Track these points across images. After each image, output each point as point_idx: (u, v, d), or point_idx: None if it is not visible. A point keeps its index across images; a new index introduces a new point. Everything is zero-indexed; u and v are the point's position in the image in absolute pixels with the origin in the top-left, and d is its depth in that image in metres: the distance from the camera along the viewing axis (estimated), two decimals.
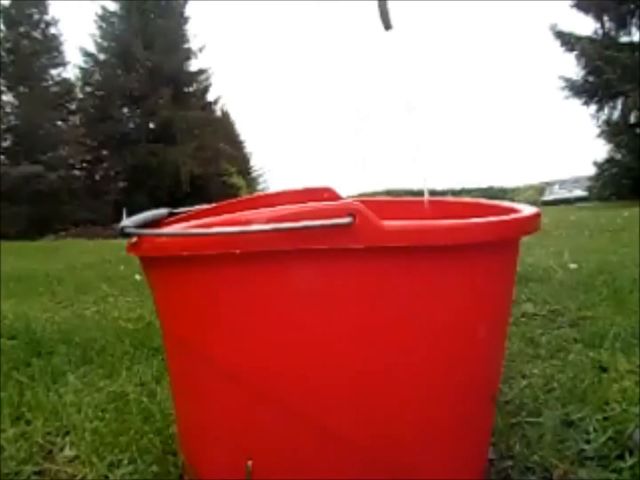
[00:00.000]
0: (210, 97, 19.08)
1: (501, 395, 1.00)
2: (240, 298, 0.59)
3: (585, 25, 17.77)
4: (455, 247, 0.58)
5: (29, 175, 13.63)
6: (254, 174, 23.06)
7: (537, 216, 0.66)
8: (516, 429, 0.88)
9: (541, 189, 18.92)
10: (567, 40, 12.53)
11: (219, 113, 19.97)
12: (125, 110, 17.63)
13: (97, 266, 4.00)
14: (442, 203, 0.95)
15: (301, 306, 0.59)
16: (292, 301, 0.58)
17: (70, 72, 16.76)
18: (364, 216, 0.55)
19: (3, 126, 14.47)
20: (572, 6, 12.75)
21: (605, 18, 12.47)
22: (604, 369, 1.12)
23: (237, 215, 0.59)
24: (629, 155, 11.85)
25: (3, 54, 14.60)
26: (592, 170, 13.19)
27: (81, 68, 17.08)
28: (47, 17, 15.76)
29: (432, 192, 0.90)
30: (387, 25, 0.84)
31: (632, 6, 11.89)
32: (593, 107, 12.82)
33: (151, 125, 17.32)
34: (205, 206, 0.85)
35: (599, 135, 12.67)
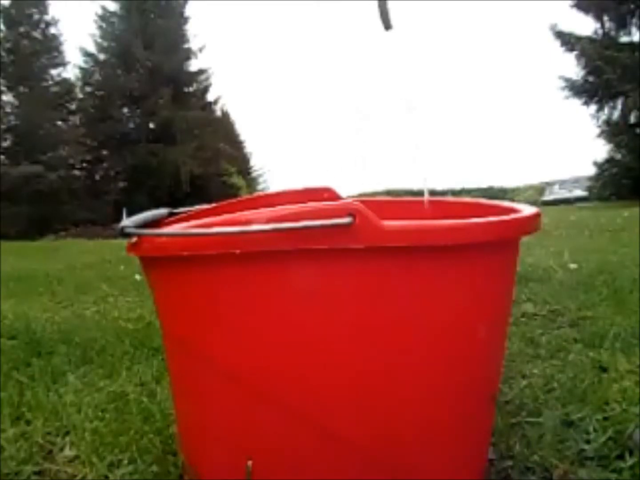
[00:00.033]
0: (210, 97, 19.10)
1: (501, 395, 1.00)
2: (240, 298, 0.59)
3: (585, 25, 17.79)
4: (455, 247, 0.58)
5: (29, 175, 13.64)
6: (254, 174, 23.07)
7: (537, 216, 0.66)
8: (516, 429, 0.88)
9: (541, 189, 18.93)
10: (567, 40, 12.53)
11: (219, 113, 19.98)
12: (125, 110, 17.64)
13: (97, 266, 4.00)
14: (442, 203, 0.95)
15: (301, 306, 0.59)
16: (292, 301, 0.58)
17: (70, 72, 16.79)
18: (364, 216, 0.55)
19: (3, 126, 14.47)
20: (572, 6, 12.75)
21: (605, 18, 12.47)
22: (604, 369, 1.12)
23: (237, 215, 0.59)
24: (629, 155, 11.85)
25: (3, 54, 14.60)
26: (592, 170, 13.20)
27: (81, 68, 17.09)
28: (47, 17, 15.77)
29: (432, 192, 0.90)
30: (387, 26, 0.84)
31: (632, 6, 11.89)
32: (593, 107, 12.84)
33: (151, 125, 17.32)
34: (205, 206, 0.85)
35: (599, 135, 12.67)
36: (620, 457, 0.79)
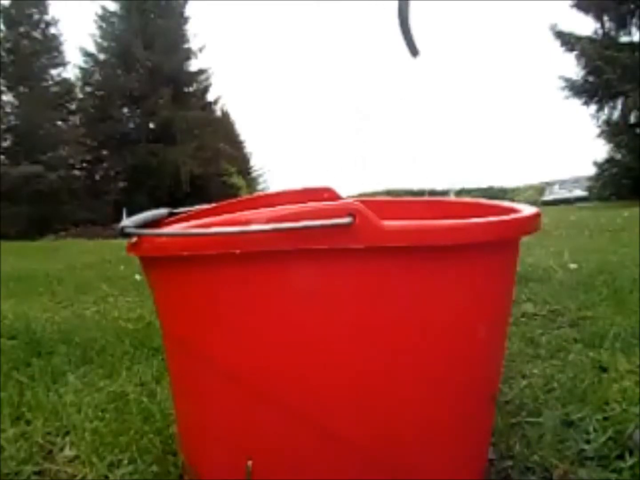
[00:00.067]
0: (210, 97, 19.11)
1: (501, 395, 1.00)
2: (240, 298, 0.59)
3: (585, 25, 17.78)
4: (455, 247, 0.58)
5: (29, 175, 13.64)
6: (254, 174, 23.08)
7: (537, 216, 0.66)
8: (516, 429, 0.88)
9: (541, 189, 18.93)
10: (567, 40, 12.54)
11: (219, 113, 20.00)
12: (125, 110, 17.64)
13: (97, 266, 4.00)
14: (442, 203, 0.95)
15: (301, 306, 0.58)
16: (292, 301, 0.58)
17: (70, 72, 16.81)
18: (364, 216, 0.55)
19: (3, 126, 14.48)
20: (572, 6, 12.76)
21: (605, 18, 12.47)
22: (604, 369, 1.12)
23: (237, 215, 0.59)
24: (629, 155, 11.85)
25: (3, 54, 14.61)
26: (592, 170, 13.21)
27: (81, 68, 17.11)
28: (47, 17, 15.79)
29: (432, 192, 0.90)
30: (414, 52, 0.83)
31: (632, 6, 11.89)
32: (593, 107, 12.84)
33: (151, 125, 17.33)
34: (205, 206, 0.85)
35: (599, 135, 12.68)
36: (620, 457, 0.79)
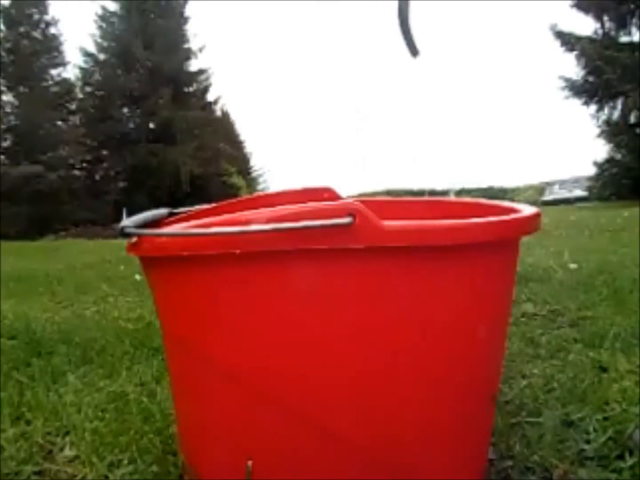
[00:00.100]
0: (210, 97, 19.12)
1: (501, 395, 1.00)
2: (240, 298, 0.59)
3: (585, 25, 17.78)
4: (455, 247, 0.58)
5: (29, 175, 13.64)
6: (254, 174, 23.08)
7: (537, 216, 0.66)
8: (516, 429, 0.88)
9: (541, 189, 18.93)
10: (567, 40, 12.54)
11: (219, 113, 20.00)
12: (125, 110, 17.65)
13: (97, 266, 4.00)
14: (442, 203, 0.95)
15: (301, 306, 0.58)
16: (292, 301, 0.58)
17: (70, 72, 16.81)
18: (364, 216, 0.55)
19: (3, 126, 14.49)
20: (572, 6, 12.76)
21: (605, 18, 12.47)
22: (604, 369, 1.12)
23: (237, 215, 0.59)
24: (629, 155, 11.85)
25: (3, 54, 14.61)
26: (592, 170, 13.21)
27: (81, 68, 17.11)
28: (47, 17, 15.79)
29: (432, 192, 0.90)
30: (414, 52, 0.82)
31: (632, 6, 11.89)
32: (593, 107, 12.84)
33: (151, 125, 17.33)
34: (205, 206, 0.85)
35: (599, 135, 12.68)
36: (620, 457, 0.79)
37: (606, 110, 12.70)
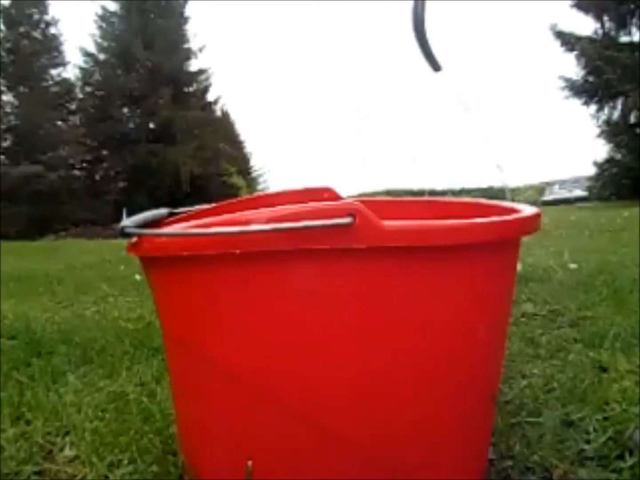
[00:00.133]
0: (210, 97, 19.12)
1: (501, 395, 1.00)
2: (240, 298, 0.59)
3: (585, 25, 17.75)
4: (455, 247, 0.58)
5: (29, 175, 13.65)
6: (254, 174, 23.06)
7: (537, 216, 0.67)
8: (516, 429, 0.88)
9: (541, 189, 18.91)
10: (567, 40, 12.54)
11: (219, 113, 19.99)
12: (125, 110, 17.65)
13: (97, 266, 4.00)
14: (442, 203, 0.95)
15: (301, 306, 0.58)
16: (292, 301, 0.58)
17: (70, 72, 16.81)
18: (364, 216, 0.55)
19: (3, 126, 14.49)
20: (572, 6, 12.76)
21: (605, 18, 12.47)
22: (604, 369, 1.12)
23: (237, 215, 0.59)
24: (629, 155, 11.85)
25: (3, 54, 14.62)
26: (592, 170, 13.20)
27: (81, 68, 17.11)
28: (47, 17, 15.80)
29: (432, 192, 0.90)
30: (436, 68, 0.78)
31: (632, 6, 11.89)
32: (593, 107, 12.85)
33: (151, 125, 17.33)
34: (205, 206, 0.85)
35: (599, 135, 12.68)
36: (620, 457, 0.79)
37: (606, 110, 12.70)
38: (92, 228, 12.49)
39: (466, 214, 0.64)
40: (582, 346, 1.28)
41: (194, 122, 17.27)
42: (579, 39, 12.44)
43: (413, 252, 0.57)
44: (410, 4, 0.80)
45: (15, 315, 2.00)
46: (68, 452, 0.87)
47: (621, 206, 8.32)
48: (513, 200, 0.81)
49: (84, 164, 16.66)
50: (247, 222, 0.56)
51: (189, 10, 18.51)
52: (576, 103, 13.04)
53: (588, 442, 0.82)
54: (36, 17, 15.55)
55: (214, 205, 0.84)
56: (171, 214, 0.82)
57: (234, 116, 22.63)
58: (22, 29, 15.15)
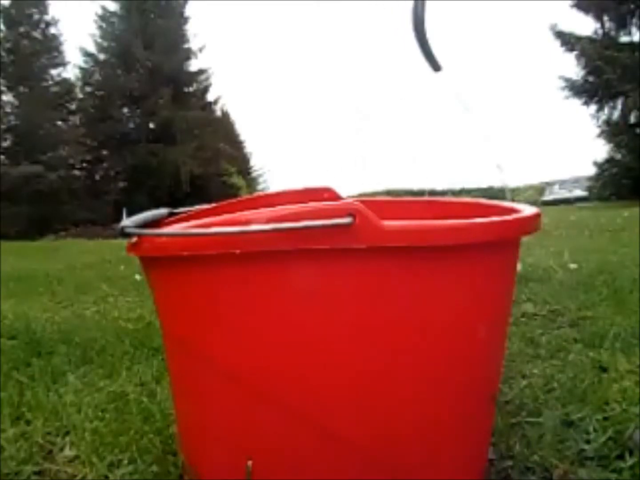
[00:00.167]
0: (210, 97, 19.12)
1: (501, 395, 1.00)
2: (240, 298, 0.59)
3: (585, 25, 17.74)
4: (455, 247, 0.58)
5: (29, 175, 13.65)
6: (254, 174, 23.06)
7: (537, 216, 0.67)
8: (516, 429, 0.88)
9: (541, 189, 18.90)
10: (567, 40, 12.54)
11: (219, 113, 19.99)
12: (125, 110, 17.65)
13: (97, 266, 4.00)
14: (442, 203, 0.95)
15: (301, 306, 0.58)
16: (292, 301, 0.58)
17: (70, 72, 16.81)
18: (364, 216, 0.55)
19: (3, 126, 14.49)
20: (572, 6, 12.76)
21: (605, 18, 12.47)
22: (604, 369, 1.12)
23: (237, 215, 0.59)
24: (629, 155, 11.85)
25: (3, 54, 14.62)
26: (592, 170, 13.20)
27: (81, 68, 17.11)
28: (47, 17, 15.80)
29: (432, 192, 0.90)
30: (436, 68, 0.78)
31: (632, 6, 11.89)
32: (593, 107, 12.85)
33: (151, 125, 17.33)
34: (205, 206, 0.85)
35: (599, 135, 12.68)
36: (620, 457, 0.79)
37: (606, 110, 12.70)
38: (92, 228, 12.49)
39: (466, 214, 0.64)
40: (582, 346, 1.28)
41: (194, 122, 17.27)
42: (579, 39, 12.44)
43: (413, 252, 0.57)
44: (410, 4, 0.80)
45: (15, 315, 2.00)
46: (68, 452, 0.87)
47: (621, 206, 8.32)
48: (513, 200, 0.81)
49: (84, 164, 16.67)
50: (247, 222, 0.56)
51: (189, 10, 18.53)
52: (576, 103, 13.06)
53: (588, 442, 0.82)
54: (36, 17, 15.55)
55: (214, 205, 0.84)
56: (171, 214, 0.82)
57: (234, 116, 22.64)
58: (22, 29, 15.15)
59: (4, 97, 14.94)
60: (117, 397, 1.08)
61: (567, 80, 12.87)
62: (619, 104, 12.27)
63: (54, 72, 16.20)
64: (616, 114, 12.49)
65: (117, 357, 1.37)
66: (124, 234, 0.61)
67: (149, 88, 16.76)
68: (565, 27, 12.68)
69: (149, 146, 16.48)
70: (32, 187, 13.69)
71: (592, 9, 12.43)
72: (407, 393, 0.61)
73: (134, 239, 0.62)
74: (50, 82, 16.12)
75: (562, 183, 18.31)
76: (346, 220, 0.54)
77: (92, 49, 17.28)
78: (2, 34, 14.74)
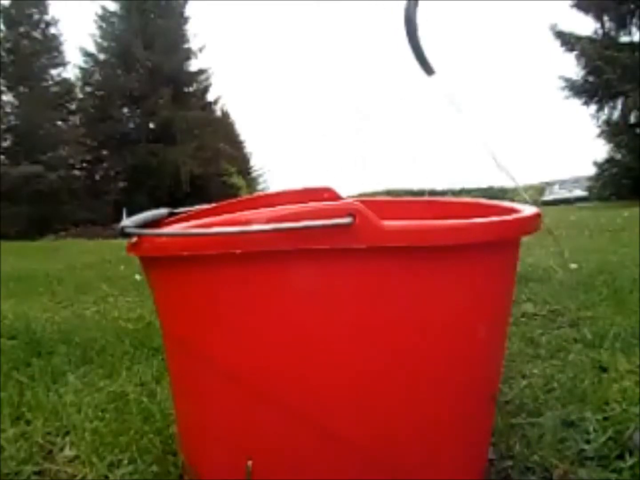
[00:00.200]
0: (210, 97, 19.10)
1: (501, 395, 1.00)
2: (240, 298, 0.59)
3: (585, 25, 17.72)
4: (455, 247, 0.58)
5: (29, 175, 13.64)
6: (254, 174, 23.04)
7: (537, 216, 0.67)
8: (516, 429, 0.88)
9: (541, 189, 18.90)
10: (567, 40, 12.53)
11: (219, 113, 19.98)
12: (125, 110, 17.64)
13: (97, 266, 4.00)
14: (442, 203, 0.95)
15: (301, 306, 0.59)
16: (292, 301, 0.58)
17: (70, 72, 16.79)
18: (364, 216, 0.55)
19: (3, 126, 14.48)
20: (572, 6, 12.75)
21: (605, 18, 12.47)
22: (604, 369, 1.12)
23: (237, 215, 0.59)
24: (629, 155, 11.85)
25: (3, 54, 14.61)
26: (592, 170, 13.19)
27: (81, 68, 17.10)
28: (47, 17, 15.78)
29: (432, 192, 0.90)
30: (429, 71, 0.78)
31: (632, 6, 11.89)
32: (593, 107, 12.84)
33: (151, 125, 17.32)
34: (205, 206, 0.85)
35: (599, 135, 12.68)
36: (620, 457, 0.79)
37: (606, 110, 12.70)
38: (92, 228, 12.48)
39: (466, 214, 0.64)
40: (582, 346, 1.28)
41: (194, 122, 17.26)
42: (579, 39, 12.44)
43: (413, 252, 0.57)
44: (404, 5, 0.79)
45: (15, 315, 2.00)
46: (68, 452, 0.87)
47: (621, 206, 8.32)
48: (512, 200, 0.81)
49: (84, 164, 16.65)
50: (247, 222, 0.56)
51: (189, 10, 18.50)
52: (576, 103, 13.04)
53: (588, 442, 0.82)
54: (36, 17, 15.53)
55: (214, 205, 0.84)
56: (171, 214, 0.82)
57: (234, 116, 22.62)
58: (22, 29, 15.14)
59: (4, 97, 14.94)
60: (117, 397, 1.08)
61: (567, 80, 12.87)
62: (619, 104, 12.27)
63: (54, 72, 16.20)
64: (616, 114, 12.49)
65: (117, 357, 1.37)
66: (124, 234, 0.61)
67: (149, 88, 16.75)
68: (565, 27, 12.69)
69: (149, 146, 16.47)
70: (32, 187, 13.68)
71: (592, 9, 12.42)
72: (407, 393, 0.61)
73: (134, 239, 0.62)
74: (50, 82, 16.11)
75: (562, 183, 18.32)
76: (346, 220, 0.54)
77: (92, 49, 17.29)
78: (2, 34, 14.73)
